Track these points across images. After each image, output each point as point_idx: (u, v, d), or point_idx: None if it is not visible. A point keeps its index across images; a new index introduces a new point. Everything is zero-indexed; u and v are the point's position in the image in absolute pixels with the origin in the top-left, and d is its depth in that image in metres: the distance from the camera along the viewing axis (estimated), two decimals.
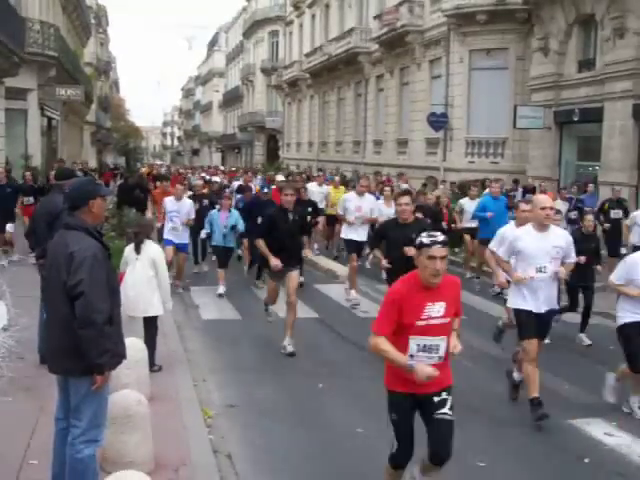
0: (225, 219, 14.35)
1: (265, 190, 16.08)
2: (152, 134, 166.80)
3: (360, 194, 14.33)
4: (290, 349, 9.92)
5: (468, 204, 16.69)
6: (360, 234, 14.08)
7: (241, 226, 14.50)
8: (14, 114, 29.12)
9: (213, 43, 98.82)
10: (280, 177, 21.88)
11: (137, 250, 8.84)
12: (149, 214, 18.14)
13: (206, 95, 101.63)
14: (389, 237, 9.39)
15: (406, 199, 9.26)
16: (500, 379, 8.60)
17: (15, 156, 27.76)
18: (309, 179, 25.20)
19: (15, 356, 8.27)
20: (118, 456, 5.70)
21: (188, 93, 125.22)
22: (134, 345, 7.11)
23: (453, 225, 16.92)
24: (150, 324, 8.85)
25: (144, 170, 38.48)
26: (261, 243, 9.95)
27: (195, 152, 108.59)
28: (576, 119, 22.24)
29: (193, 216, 14.51)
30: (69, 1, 43.50)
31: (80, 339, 4.69)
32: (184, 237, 14.37)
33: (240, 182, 22.09)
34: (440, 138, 29.35)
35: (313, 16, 49.51)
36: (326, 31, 45.67)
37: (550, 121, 23.44)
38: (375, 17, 35.44)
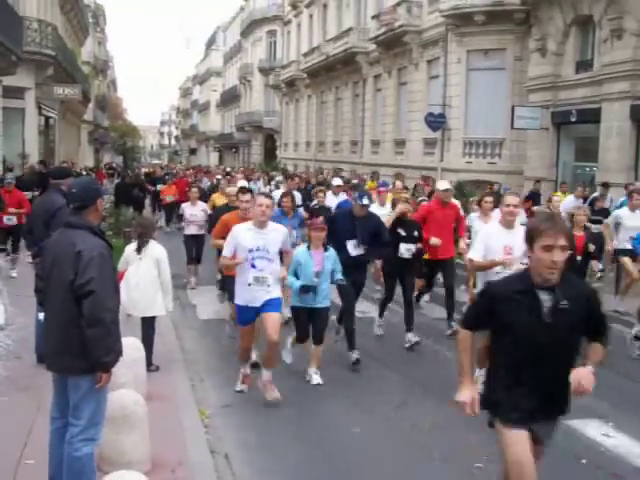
0: (320, 263, 8.86)
1: (364, 201, 9.87)
2: (150, 133, 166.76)
3: (508, 224, 8.26)
4: None
5: (628, 217, 12.67)
6: None
7: (339, 273, 8.91)
8: (11, 113, 29.11)
9: (211, 42, 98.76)
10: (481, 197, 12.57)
11: (139, 250, 8.83)
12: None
13: (204, 94, 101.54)
14: None
15: None
16: None
17: (12, 155, 27.74)
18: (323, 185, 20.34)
19: (12, 355, 8.25)
20: (115, 456, 5.70)
21: (186, 92, 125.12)
22: (131, 344, 7.10)
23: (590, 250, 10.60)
24: (148, 324, 8.85)
25: (152, 170, 36.86)
26: (466, 346, 4.66)
27: (192, 151, 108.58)
28: (573, 120, 22.27)
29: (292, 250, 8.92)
30: (67, 0, 43.46)
31: (87, 338, 4.70)
32: (275, 289, 7.93)
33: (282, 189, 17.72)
34: (437, 138, 29.36)
35: (311, 16, 49.49)
36: (324, 31, 45.66)
37: (547, 122, 23.45)
38: (373, 17, 35.46)
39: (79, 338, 4.73)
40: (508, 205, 8.25)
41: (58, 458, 4.98)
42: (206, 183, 27.27)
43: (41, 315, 5.33)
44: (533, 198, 19.60)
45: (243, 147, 71.93)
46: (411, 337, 10.45)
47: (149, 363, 8.33)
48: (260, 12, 63.38)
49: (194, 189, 15.67)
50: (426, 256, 11.53)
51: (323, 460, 6.52)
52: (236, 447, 6.78)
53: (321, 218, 9.42)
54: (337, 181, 17.64)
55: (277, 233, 7.96)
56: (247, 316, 7.95)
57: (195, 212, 14.76)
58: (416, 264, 11.09)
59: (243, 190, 9.89)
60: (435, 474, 6.34)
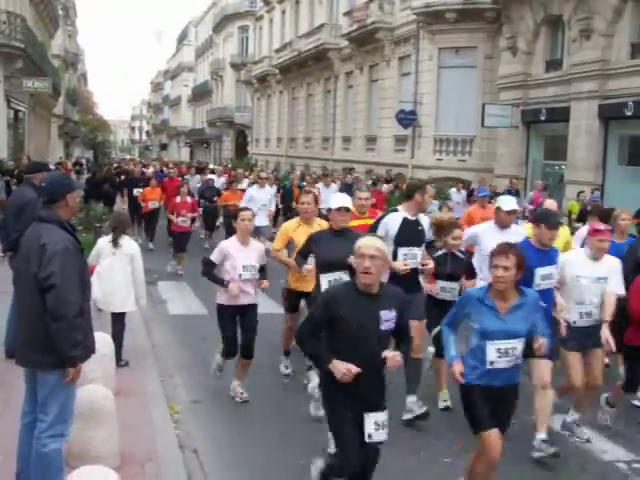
0: None
1: None
2: (120, 128, 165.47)
3: None
4: None
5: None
6: None
7: None
8: None
9: (183, 37, 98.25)
10: None
11: (115, 244, 8.78)
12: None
13: (175, 89, 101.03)
14: None
15: None
16: None
17: None
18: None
19: None
20: (84, 451, 5.67)
21: (157, 87, 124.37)
22: (101, 339, 7.06)
23: None
24: (119, 319, 8.82)
25: (129, 166, 31.15)
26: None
27: (163, 147, 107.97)
28: (543, 118, 22.49)
29: None
30: None
31: (52, 332, 4.69)
32: None
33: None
34: (409, 135, 29.51)
35: (283, 12, 49.44)
36: (296, 27, 45.65)
37: (518, 120, 23.66)
38: (345, 14, 35.52)
39: (47, 333, 4.71)
40: None
41: (27, 453, 4.96)
42: (197, 184, 22.35)
43: None
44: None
45: (214, 143, 71.70)
46: None
47: (119, 358, 8.31)
48: (232, 7, 63.21)
49: (247, 214, 7.79)
50: None
51: (292, 456, 6.54)
52: (205, 442, 6.78)
53: None
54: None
55: None
56: None
57: (253, 260, 7.78)
58: None
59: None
60: (413, 470, 6.38)
